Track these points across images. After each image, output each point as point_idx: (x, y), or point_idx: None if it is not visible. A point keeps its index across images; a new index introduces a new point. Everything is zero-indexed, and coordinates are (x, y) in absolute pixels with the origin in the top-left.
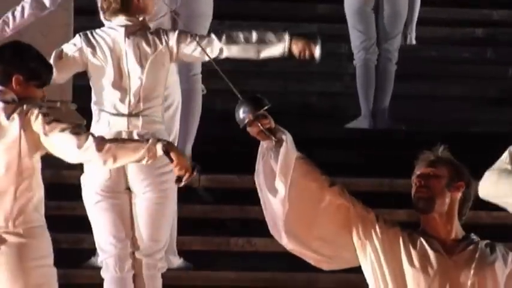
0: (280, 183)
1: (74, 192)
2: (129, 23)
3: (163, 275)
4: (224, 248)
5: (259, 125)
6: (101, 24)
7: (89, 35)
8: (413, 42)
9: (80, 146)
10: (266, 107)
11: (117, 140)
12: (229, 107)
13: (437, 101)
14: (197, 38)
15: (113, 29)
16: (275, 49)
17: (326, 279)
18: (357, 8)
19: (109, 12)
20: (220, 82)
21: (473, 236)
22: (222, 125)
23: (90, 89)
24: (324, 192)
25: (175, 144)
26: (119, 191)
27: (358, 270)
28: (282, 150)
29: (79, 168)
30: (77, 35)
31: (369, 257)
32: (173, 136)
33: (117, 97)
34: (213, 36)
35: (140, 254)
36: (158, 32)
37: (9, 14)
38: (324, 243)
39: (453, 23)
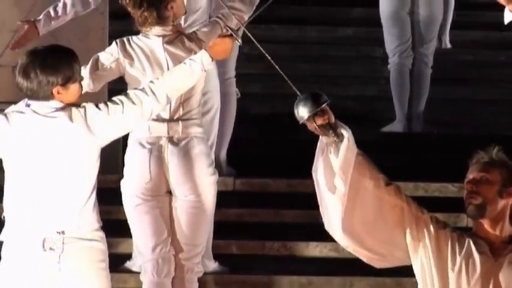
0: (340, 180)
1: (109, 196)
2: (166, 32)
3: (199, 279)
4: (259, 251)
5: (319, 120)
6: (136, 28)
7: (126, 43)
8: (448, 45)
9: (144, 116)
10: (326, 103)
11: (168, 77)
12: (264, 110)
13: (473, 104)
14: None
15: (150, 38)
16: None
17: (361, 283)
18: (392, 11)
19: (145, 26)
20: (254, 86)
21: None
22: (257, 129)
23: None
24: (380, 190)
25: (213, 149)
26: (159, 194)
27: (393, 274)
28: (343, 146)
29: (114, 172)
30: (114, 43)
31: (419, 257)
32: (212, 140)
33: None
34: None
35: (178, 258)
36: (192, 38)
37: (51, 9)
38: (378, 241)
39: (489, 26)
